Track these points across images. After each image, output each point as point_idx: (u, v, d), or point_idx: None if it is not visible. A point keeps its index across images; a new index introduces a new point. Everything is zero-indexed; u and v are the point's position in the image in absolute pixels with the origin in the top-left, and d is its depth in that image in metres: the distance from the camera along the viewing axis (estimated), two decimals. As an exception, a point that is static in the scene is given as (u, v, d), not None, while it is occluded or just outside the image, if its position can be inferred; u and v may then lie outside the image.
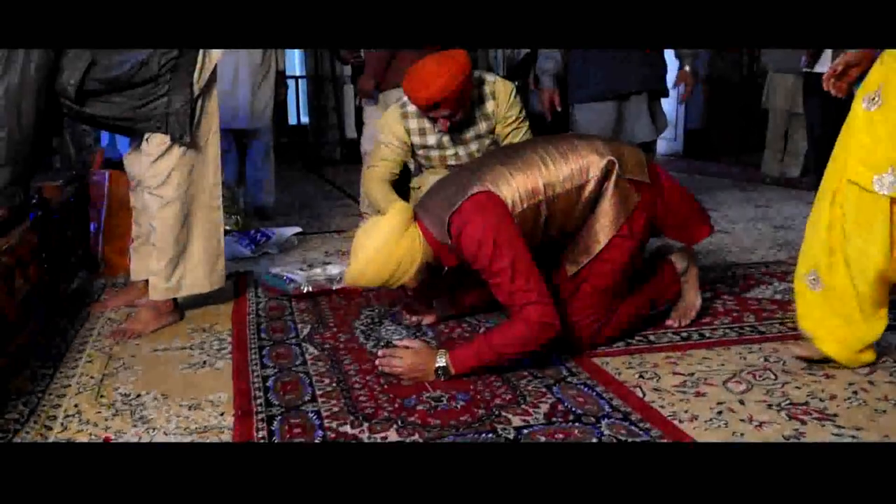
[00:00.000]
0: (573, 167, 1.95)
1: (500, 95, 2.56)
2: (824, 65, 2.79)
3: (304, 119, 7.59)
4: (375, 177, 2.67)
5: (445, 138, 2.61)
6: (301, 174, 6.23)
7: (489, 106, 2.57)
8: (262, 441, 1.57)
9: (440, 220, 1.91)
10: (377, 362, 1.91)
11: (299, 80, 7.50)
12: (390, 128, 2.65)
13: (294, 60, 7.41)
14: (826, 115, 2.81)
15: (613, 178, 1.97)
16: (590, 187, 1.96)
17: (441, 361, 1.84)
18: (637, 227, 2.00)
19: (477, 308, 2.34)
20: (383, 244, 1.89)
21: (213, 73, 2.24)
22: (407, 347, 1.93)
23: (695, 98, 7.66)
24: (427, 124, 2.59)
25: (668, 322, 2.24)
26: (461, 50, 2.50)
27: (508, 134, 2.61)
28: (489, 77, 2.59)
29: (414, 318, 2.29)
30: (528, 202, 1.91)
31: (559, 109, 3.34)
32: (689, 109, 7.46)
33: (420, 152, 2.70)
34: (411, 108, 2.56)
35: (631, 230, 1.99)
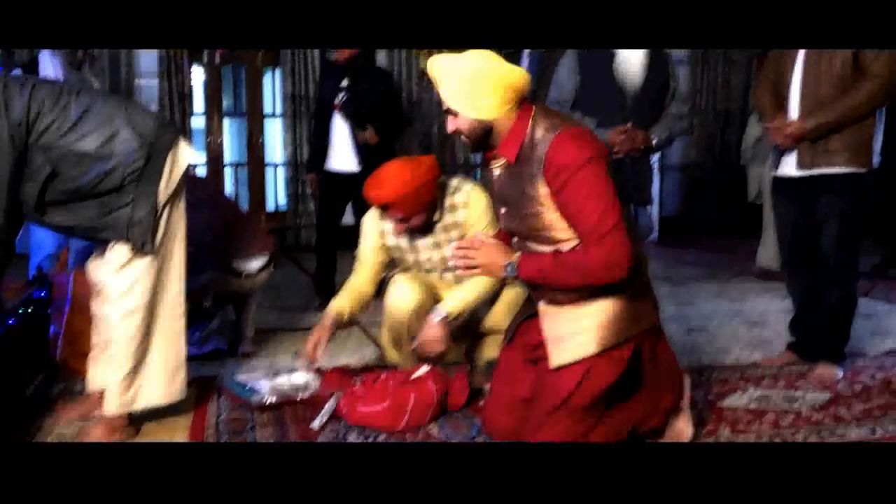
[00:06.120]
0: None
1: (474, 204, 2.58)
2: (788, 166, 2.83)
3: (283, 204, 7.59)
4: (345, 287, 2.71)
5: (420, 241, 2.61)
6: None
7: (461, 214, 2.57)
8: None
9: (553, 122, 1.89)
10: (451, 254, 1.98)
11: (277, 168, 7.48)
12: (364, 234, 2.68)
13: (277, 148, 7.43)
14: (792, 217, 2.85)
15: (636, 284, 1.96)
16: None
17: (512, 260, 1.92)
18: (626, 354, 1.93)
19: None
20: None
21: (181, 181, 2.20)
22: (483, 242, 1.98)
23: (670, 185, 7.82)
24: None
25: None
26: (431, 156, 2.53)
27: None
28: (466, 186, 2.61)
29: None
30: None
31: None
32: (664, 196, 7.55)
33: (396, 255, 2.68)
34: None
35: (621, 355, 1.92)
